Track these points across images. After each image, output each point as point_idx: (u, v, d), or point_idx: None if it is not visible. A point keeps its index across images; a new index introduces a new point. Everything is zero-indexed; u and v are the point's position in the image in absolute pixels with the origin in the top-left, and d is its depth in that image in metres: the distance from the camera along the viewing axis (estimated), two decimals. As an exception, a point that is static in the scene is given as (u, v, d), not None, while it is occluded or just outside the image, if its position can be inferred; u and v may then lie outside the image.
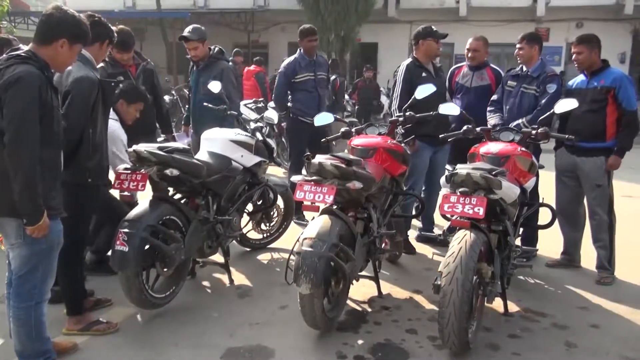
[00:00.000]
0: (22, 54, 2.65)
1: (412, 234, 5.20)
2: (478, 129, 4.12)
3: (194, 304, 3.91)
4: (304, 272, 3.15)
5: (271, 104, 8.71)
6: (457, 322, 2.99)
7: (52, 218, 2.70)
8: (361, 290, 4.01)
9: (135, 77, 4.79)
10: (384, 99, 14.04)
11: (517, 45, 4.76)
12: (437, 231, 5.30)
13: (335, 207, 3.57)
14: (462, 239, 3.15)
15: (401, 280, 4.40)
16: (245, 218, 4.75)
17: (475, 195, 3.20)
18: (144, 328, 3.57)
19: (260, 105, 9.12)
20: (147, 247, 3.48)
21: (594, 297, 4.15)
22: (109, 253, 4.48)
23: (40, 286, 2.77)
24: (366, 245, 3.70)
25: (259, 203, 4.80)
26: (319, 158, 3.49)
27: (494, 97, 4.91)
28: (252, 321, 3.64)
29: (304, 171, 4.03)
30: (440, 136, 4.44)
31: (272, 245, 5.10)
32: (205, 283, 4.32)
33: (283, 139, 8.98)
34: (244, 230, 4.79)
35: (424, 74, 4.89)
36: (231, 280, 4.27)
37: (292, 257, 3.29)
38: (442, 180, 3.47)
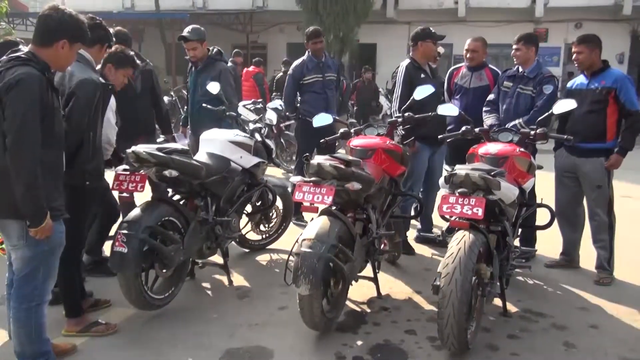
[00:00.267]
0: (23, 56, 2.65)
1: (411, 235, 5.20)
2: (477, 129, 4.13)
3: (193, 305, 3.91)
4: (303, 273, 3.15)
5: (270, 104, 8.71)
6: (456, 323, 2.99)
7: (55, 219, 2.70)
8: (360, 291, 4.01)
9: (133, 78, 4.78)
10: (382, 100, 14.03)
11: (514, 46, 4.77)
12: (436, 232, 5.30)
13: (334, 208, 3.57)
14: (461, 240, 3.15)
15: (400, 281, 4.40)
16: (244, 219, 4.75)
17: (474, 196, 3.21)
18: (143, 329, 3.57)
19: (259, 106, 9.11)
20: (146, 248, 3.48)
21: (593, 298, 4.15)
22: (106, 254, 4.52)
23: (41, 287, 2.78)
24: (365, 246, 3.70)
25: (258, 204, 4.80)
26: (318, 159, 3.49)
27: (490, 97, 4.91)
28: (251, 322, 3.64)
29: None
30: (439, 137, 4.45)
31: (271, 246, 5.10)
32: (205, 284, 4.32)
33: (282, 140, 9.00)
34: (243, 231, 4.79)
35: (422, 75, 4.90)
36: (230, 281, 4.27)
37: (291, 258, 3.29)
38: (441, 180, 3.47)
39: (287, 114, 6.33)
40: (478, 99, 4.99)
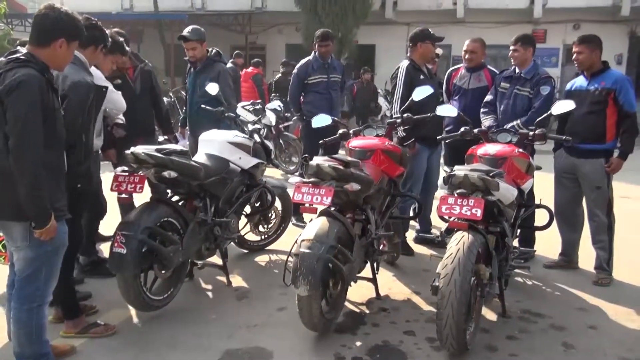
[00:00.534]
0: (22, 57, 2.64)
1: (410, 236, 5.20)
2: (475, 130, 4.13)
3: (192, 306, 3.91)
4: (302, 273, 3.15)
5: (269, 105, 8.71)
6: (455, 324, 2.99)
7: (58, 220, 2.70)
8: (359, 291, 4.01)
9: (133, 79, 4.79)
10: (381, 101, 14.04)
11: (511, 47, 4.78)
12: (435, 232, 5.30)
13: (333, 208, 3.57)
14: (460, 241, 3.15)
15: (399, 282, 4.40)
16: (243, 220, 4.75)
17: (473, 196, 3.21)
18: (142, 330, 3.56)
19: (257, 107, 9.11)
20: (145, 249, 3.48)
21: (592, 298, 4.15)
22: (103, 254, 4.51)
23: (43, 288, 2.77)
24: (364, 246, 3.70)
25: (257, 205, 4.80)
26: (317, 160, 3.49)
27: (488, 98, 4.92)
28: (250, 323, 3.64)
29: None
30: (438, 138, 4.45)
31: (270, 247, 5.10)
32: (203, 285, 4.32)
33: (281, 141, 9.00)
34: (242, 232, 4.79)
35: (421, 77, 4.91)
36: (229, 282, 4.27)
37: (290, 258, 3.29)
38: (440, 181, 3.47)
39: (289, 114, 6.33)
40: (477, 99, 5.00)
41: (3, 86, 2.55)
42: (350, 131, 4.29)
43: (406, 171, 4.27)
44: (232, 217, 4.31)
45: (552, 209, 4.24)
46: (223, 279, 4.30)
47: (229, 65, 10.74)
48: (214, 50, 5.28)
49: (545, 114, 4.20)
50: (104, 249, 4.31)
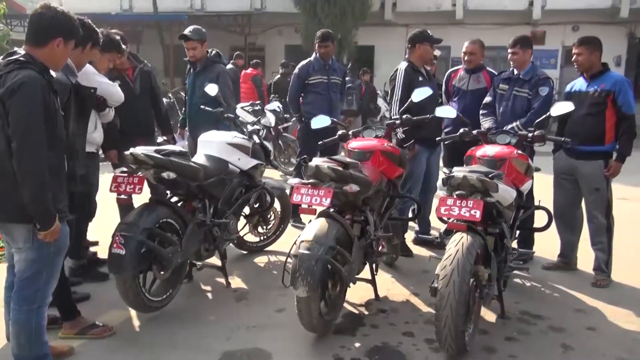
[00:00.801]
0: (21, 59, 2.62)
1: (409, 237, 5.20)
2: (474, 131, 4.14)
3: (191, 307, 3.91)
4: (301, 275, 3.15)
5: (268, 106, 8.72)
6: (454, 325, 3.00)
7: (60, 221, 2.69)
8: (358, 293, 4.01)
9: (132, 80, 4.79)
10: (380, 102, 14.05)
11: (510, 50, 4.78)
12: (434, 234, 5.31)
13: (332, 210, 3.57)
14: (458, 242, 3.15)
15: (398, 283, 4.40)
16: (242, 221, 4.75)
17: (472, 198, 3.21)
18: (141, 331, 3.56)
19: (257, 108, 9.12)
20: (144, 250, 3.48)
21: (591, 300, 4.16)
22: (96, 257, 4.50)
23: (43, 289, 2.76)
24: (363, 248, 3.70)
25: (256, 206, 4.80)
26: (316, 161, 3.49)
27: (487, 100, 4.93)
28: (249, 324, 3.64)
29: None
30: (437, 139, 4.46)
31: (269, 248, 5.10)
32: (202, 286, 4.31)
33: (280, 142, 8.99)
34: (241, 233, 4.79)
35: (420, 78, 4.92)
36: (228, 283, 4.26)
37: (289, 260, 3.29)
38: (439, 183, 3.48)
39: (288, 115, 6.32)
40: (476, 101, 5.01)
41: (5, 88, 2.54)
42: (350, 132, 4.29)
43: (405, 172, 4.27)
44: (231, 218, 4.31)
45: (551, 210, 4.24)
46: (222, 280, 4.30)
47: (230, 66, 10.77)
48: (213, 52, 5.29)
49: (544, 115, 4.21)
50: (102, 249, 4.28)
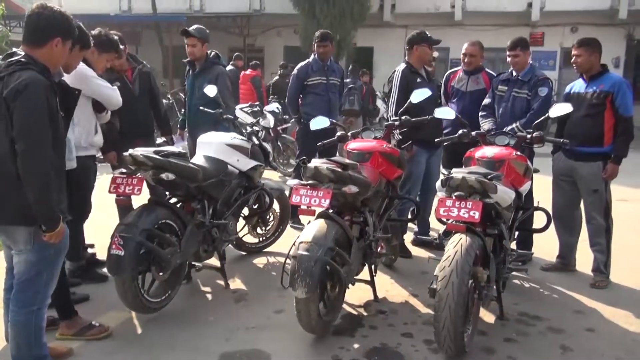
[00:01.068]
0: (22, 59, 2.61)
1: (408, 238, 5.20)
2: (473, 133, 4.14)
3: (190, 308, 3.91)
4: (300, 276, 3.15)
5: (267, 107, 8.71)
6: (453, 326, 3.00)
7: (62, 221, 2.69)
8: (357, 294, 4.01)
9: (131, 81, 4.78)
10: (379, 103, 14.06)
11: (511, 53, 4.77)
12: (433, 235, 5.31)
13: (331, 211, 3.57)
14: (457, 243, 3.15)
15: (397, 284, 4.40)
16: (241, 222, 4.75)
17: (471, 199, 3.22)
18: (140, 332, 3.56)
19: (256, 109, 9.12)
20: (142, 251, 3.47)
21: (589, 301, 4.16)
22: (95, 258, 4.49)
23: (43, 291, 2.76)
24: (362, 249, 3.70)
25: (255, 207, 4.80)
26: (315, 162, 3.50)
27: (486, 101, 4.94)
28: (248, 325, 3.64)
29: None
30: (436, 140, 4.46)
31: (268, 249, 5.09)
32: (201, 287, 4.31)
33: (279, 143, 8.99)
34: (240, 234, 4.79)
35: (418, 80, 4.92)
36: (227, 284, 4.26)
37: (288, 261, 3.29)
38: (438, 184, 3.48)
39: (287, 116, 6.31)
40: (475, 102, 5.01)
41: (9, 90, 2.52)
42: (349, 133, 4.29)
43: (404, 173, 4.28)
44: (230, 219, 4.31)
45: (550, 211, 4.24)
46: (221, 281, 4.29)
47: (230, 67, 10.77)
48: (212, 53, 5.30)
49: (543, 117, 4.22)
50: (101, 251, 4.28)
